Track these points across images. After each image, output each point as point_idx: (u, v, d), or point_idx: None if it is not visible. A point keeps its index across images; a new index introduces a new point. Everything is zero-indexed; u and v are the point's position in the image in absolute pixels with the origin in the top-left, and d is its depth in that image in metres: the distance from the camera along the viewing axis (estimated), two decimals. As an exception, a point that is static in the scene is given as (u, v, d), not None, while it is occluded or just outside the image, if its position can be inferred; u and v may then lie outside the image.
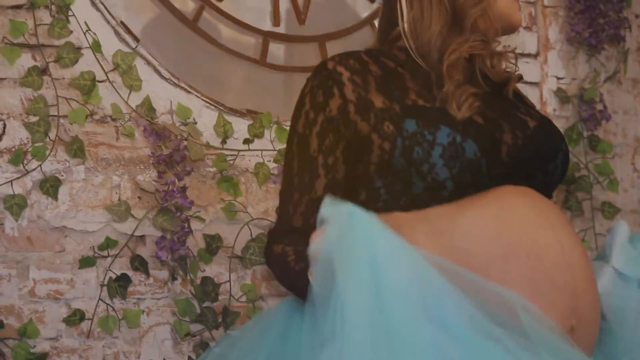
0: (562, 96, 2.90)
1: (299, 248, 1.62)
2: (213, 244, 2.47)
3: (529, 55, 2.90)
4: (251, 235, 2.51)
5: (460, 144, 1.60)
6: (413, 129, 1.62)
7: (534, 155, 1.68)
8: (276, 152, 2.53)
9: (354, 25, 2.71)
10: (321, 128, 1.67)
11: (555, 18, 2.93)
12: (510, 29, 1.81)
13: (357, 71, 1.68)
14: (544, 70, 2.90)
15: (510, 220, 1.60)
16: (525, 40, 2.89)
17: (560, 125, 2.84)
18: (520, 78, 1.81)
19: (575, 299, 1.58)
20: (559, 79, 2.92)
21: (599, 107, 2.91)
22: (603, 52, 2.96)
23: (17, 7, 2.34)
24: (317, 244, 1.48)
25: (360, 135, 1.65)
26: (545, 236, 1.60)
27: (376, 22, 2.42)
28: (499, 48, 1.78)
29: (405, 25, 1.72)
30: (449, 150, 1.59)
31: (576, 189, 2.88)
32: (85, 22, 2.39)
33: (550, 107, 2.90)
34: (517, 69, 1.82)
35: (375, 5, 2.70)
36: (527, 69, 2.86)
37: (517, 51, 2.82)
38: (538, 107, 2.78)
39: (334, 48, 2.63)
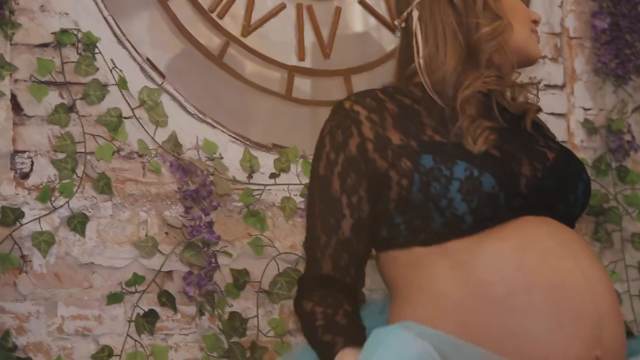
0: (589, 127, 2.88)
1: (328, 311, 1.63)
2: (240, 279, 2.47)
3: (555, 86, 2.89)
4: (278, 269, 2.50)
5: (478, 177, 1.59)
6: (430, 165, 1.62)
7: (553, 187, 1.67)
8: (302, 186, 2.52)
9: (379, 58, 2.71)
10: (342, 168, 1.67)
11: (581, 49, 2.92)
12: (528, 62, 1.81)
13: (374, 109, 1.68)
14: (571, 102, 2.89)
15: (531, 250, 1.58)
16: (551, 72, 2.88)
17: (588, 156, 2.83)
18: (539, 109, 1.80)
19: (600, 329, 1.56)
20: (586, 110, 2.91)
21: (627, 137, 2.89)
22: (630, 82, 2.94)
23: (44, 45, 2.37)
24: None
25: (379, 172, 1.65)
26: (568, 266, 1.58)
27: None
28: (522, 79, 1.78)
29: (421, 61, 1.72)
30: (467, 185, 1.59)
31: (605, 221, 2.85)
32: (112, 60, 2.41)
33: (578, 139, 2.88)
34: (537, 99, 1.82)
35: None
36: (554, 101, 2.85)
37: (544, 83, 2.82)
38: (565, 138, 2.78)
39: (359, 82, 2.64)
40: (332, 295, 1.64)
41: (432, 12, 1.74)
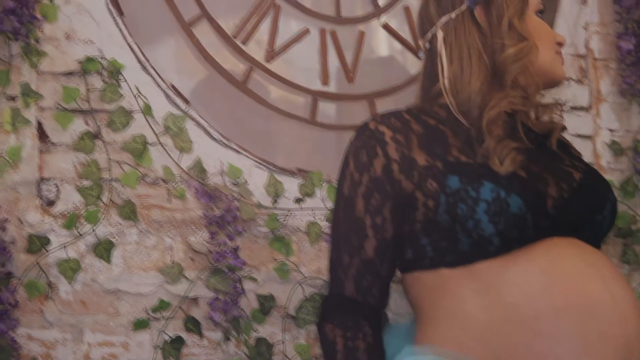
0: (616, 149, 2.86)
1: (348, 334, 1.63)
2: (266, 304, 2.46)
3: (581, 108, 2.87)
4: (304, 294, 2.50)
5: (505, 199, 1.58)
6: (456, 186, 1.61)
7: (580, 208, 1.66)
8: (327, 210, 2.52)
9: (403, 82, 2.71)
10: (366, 188, 1.66)
11: (607, 70, 2.91)
12: (553, 83, 1.80)
13: (399, 130, 1.68)
14: (597, 123, 2.88)
15: (559, 273, 1.57)
16: (576, 93, 2.86)
17: (615, 178, 2.81)
18: (563, 128, 1.79)
19: (629, 352, 1.55)
20: (612, 131, 2.89)
21: (654, 159, 2.87)
22: (656, 103, 2.93)
23: (69, 73, 2.38)
24: None
25: (404, 193, 1.65)
26: (596, 288, 1.57)
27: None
28: (547, 100, 1.77)
29: (446, 82, 1.72)
30: (494, 206, 1.58)
31: (633, 242, 2.83)
32: (136, 86, 2.42)
33: (604, 160, 2.86)
34: (562, 119, 1.81)
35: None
36: (580, 122, 2.83)
37: (569, 104, 2.81)
38: (591, 160, 2.76)
39: (384, 105, 2.63)
40: (353, 318, 1.64)
41: (457, 33, 1.74)
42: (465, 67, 1.71)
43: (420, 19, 1.84)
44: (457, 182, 1.61)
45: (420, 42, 1.82)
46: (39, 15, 2.32)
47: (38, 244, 2.30)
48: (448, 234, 1.61)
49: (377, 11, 2.70)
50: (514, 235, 1.58)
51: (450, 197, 1.60)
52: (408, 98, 2.57)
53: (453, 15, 1.75)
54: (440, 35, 1.75)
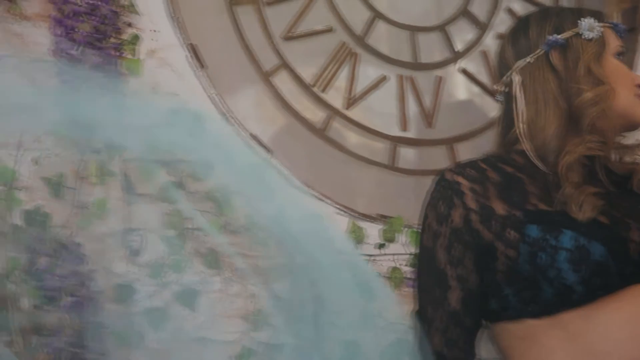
0: (701, 188, 2.81)
1: None
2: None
3: (664, 147, 2.83)
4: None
5: (586, 246, 1.56)
6: (536, 235, 1.59)
7: None
8: (409, 255, 2.52)
9: (482, 126, 2.71)
10: (446, 239, 1.66)
11: (690, 108, 2.86)
12: (633, 126, 1.76)
13: (475, 179, 1.67)
14: (681, 162, 2.83)
15: (644, 320, 1.55)
16: (659, 133, 2.83)
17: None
18: None
19: None
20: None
21: None
22: None
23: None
24: None
25: (484, 243, 1.64)
26: None
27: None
28: (628, 140, 1.75)
29: (521, 127, 1.71)
30: (575, 254, 1.55)
31: None
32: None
33: (690, 199, 2.81)
34: None
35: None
36: (663, 162, 2.79)
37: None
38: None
39: (463, 150, 2.64)
40: None
41: (533, 77, 1.73)
42: (541, 111, 1.70)
43: (498, 62, 1.84)
44: (536, 231, 1.59)
45: (497, 86, 1.82)
46: (123, 70, 2.38)
47: (125, 293, 2.34)
48: (530, 283, 1.59)
49: (455, 56, 2.71)
50: (598, 283, 1.56)
51: (530, 246, 1.59)
52: (487, 142, 2.56)
53: (529, 59, 1.74)
54: (516, 79, 1.74)
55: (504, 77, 1.79)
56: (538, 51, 1.74)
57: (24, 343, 2.23)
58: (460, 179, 1.67)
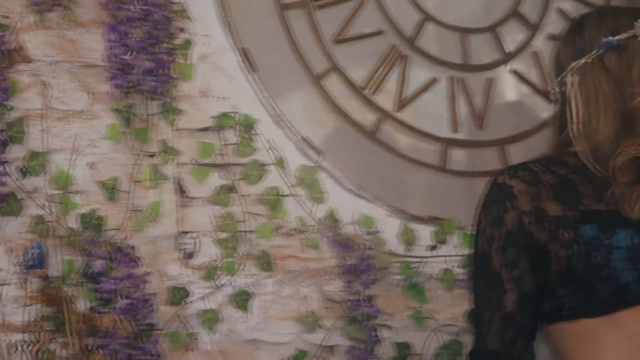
0: None
1: None
2: (402, 352, 2.46)
3: None
4: (440, 341, 2.49)
5: (639, 245, 1.56)
6: (589, 235, 1.59)
7: None
8: (460, 257, 2.52)
9: (533, 127, 2.69)
10: (500, 243, 1.67)
11: None
12: None
13: (527, 182, 1.67)
14: None
15: None
16: None
17: None
18: None
19: None
20: None
21: None
22: None
23: (205, 129, 2.45)
24: None
25: (537, 245, 1.64)
26: None
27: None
28: None
29: (574, 130, 1.70)
30: (628, 253, 1.55)
31: None
32: (269, 140, 2.47)
33: None
34: None
35: (556, 106, 2.68)
36: None
37: None
38: None
39: (515, 151, 2.63)
40: None
41: (588, 78, 1.72)
42: (594, 113, 1.70)
43: (553, 62, 1.83)
44: (590, 231, 1.59)
45: (551, 87, 1.81)
46: (175, 75, 2.40)
47: (178, 295, 2.37)
48: (584, 283, 1.59)
49: (506, 58, 2.71)
50: (653, 281, 1.56)
51: (584, 246, 1.59)
52: (539, 143, 2.56)
53: (584, 60, 1.74)
54: (571, 80, 1.74)
55: (559, 78, 1.79)
56: (593, 52, 1.73)
57: (80, 345, 2.26)
58: (512, 182, 1.68)
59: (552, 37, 2.70)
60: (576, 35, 1.76)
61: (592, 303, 1.60)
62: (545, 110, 2.71)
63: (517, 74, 2.71)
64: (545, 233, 1.63)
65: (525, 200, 1.66)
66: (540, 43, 2.73)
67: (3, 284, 2.24)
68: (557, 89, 1.79)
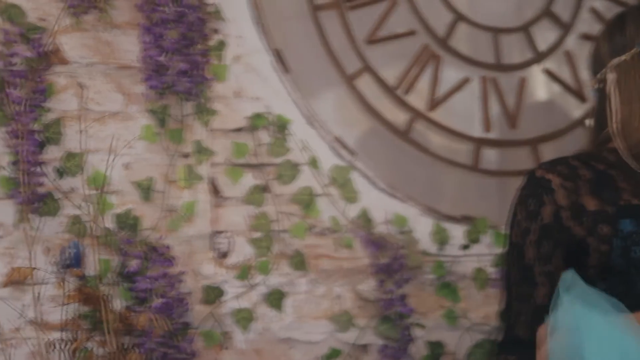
0: None
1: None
2: (435, 351, 2.47)
3: None
4: (472, 340, 2.50)
5: None
6: (629, 229, 1.59)
7: None
8: (493, 256, 2.52)
9: (566, 126, 2.70)
10: (536, 236, 1.67)
11: None
12: None
13: (566, 176, 1.67)
14: None
15: None
16: None
17: None
18: None
19: None
20: None
21: None
22: None
23: (238, 130, 2.46)
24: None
25: (575, 240, 1.64)
26: None
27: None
28: None
29: (614, 127, 1.70)
30: None
31: None
32: (302, 140, 2.49)
33: None
34: None
35: (588, 105, 2.68)
36: None
37: None
38: None
39: (547, 150, 2.63)
40: (528, 350, 1.61)
41: (628, 75, 1.72)
42: (634, 110, 1.69)
43: (592, 59, 1.83)
44: (629, 226, 1.60)
45: (591, 83, 1.81)
46: (209, 76, 2.42)
47: (213, 294, 2.39)
48: (624, 278, 1.60)
49: (538, 57, 2.71)
50: (692, 275, 1.56)
51: (624, 240, 1.59)
52: (571, 142, 2.56)
53: (624, 57, 1.73)
54: (610, 77, 1.74)
55: (598, 74, 1.78)
56: (634, 50, 1.73)
57: (116, 343, 2.28)
58: (550, 176, 1.68)
59: (585, 37, 2.70)
60: (617, 32, 1.75)
61: (631, 297, 1.60)
62: (577, 110, 2.71)
63: (549, 73, 2.71)
64: (583, 228, 1.63)
65: (563, 194, 1.66)
66: (572, 42, 2.73)
67: (41, 283, 2.27)
68: (597, 85, 1.78)
